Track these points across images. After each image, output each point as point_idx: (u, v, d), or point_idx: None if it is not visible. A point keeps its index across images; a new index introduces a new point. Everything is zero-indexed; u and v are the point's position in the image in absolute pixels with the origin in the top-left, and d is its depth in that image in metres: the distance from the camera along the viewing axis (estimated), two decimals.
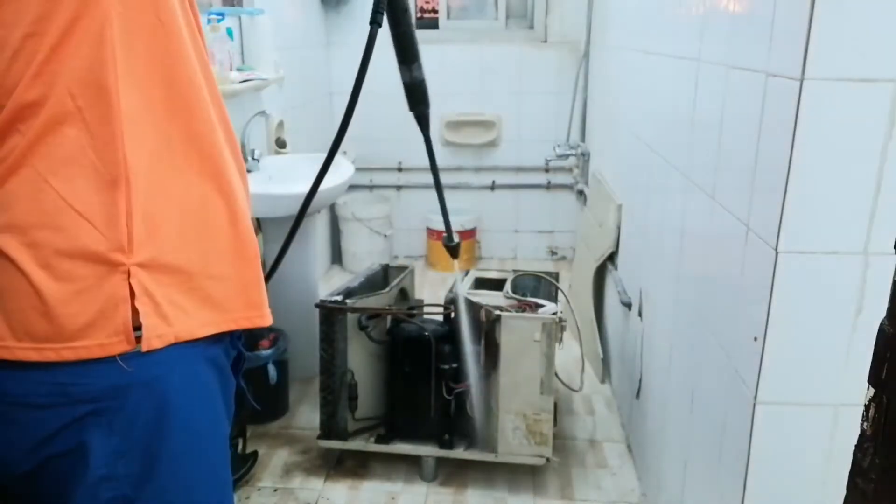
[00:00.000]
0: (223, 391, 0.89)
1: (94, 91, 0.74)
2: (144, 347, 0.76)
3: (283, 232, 1.28)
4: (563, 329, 1.98)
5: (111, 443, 0.78)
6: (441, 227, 3.82)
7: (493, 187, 3.99)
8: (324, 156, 1.37)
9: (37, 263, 0.74)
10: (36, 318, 0.75)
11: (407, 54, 1.08)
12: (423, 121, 1.13)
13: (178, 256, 0.80)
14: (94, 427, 0.77)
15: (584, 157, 3.51)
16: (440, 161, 3.95)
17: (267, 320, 0.89)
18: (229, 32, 2.40)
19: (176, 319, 0.79)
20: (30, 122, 0.72)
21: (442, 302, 2.24)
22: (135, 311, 0.76)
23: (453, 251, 1.24)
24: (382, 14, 1.05)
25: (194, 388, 0.83)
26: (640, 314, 2.10)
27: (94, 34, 0.73)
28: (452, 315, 2.11)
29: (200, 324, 0.82)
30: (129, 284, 0.75)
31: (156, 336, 0.78)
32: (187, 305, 0.80)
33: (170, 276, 0.79)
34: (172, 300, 0.79)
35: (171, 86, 0.80)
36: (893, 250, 0.56)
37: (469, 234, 3.91)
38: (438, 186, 1.14)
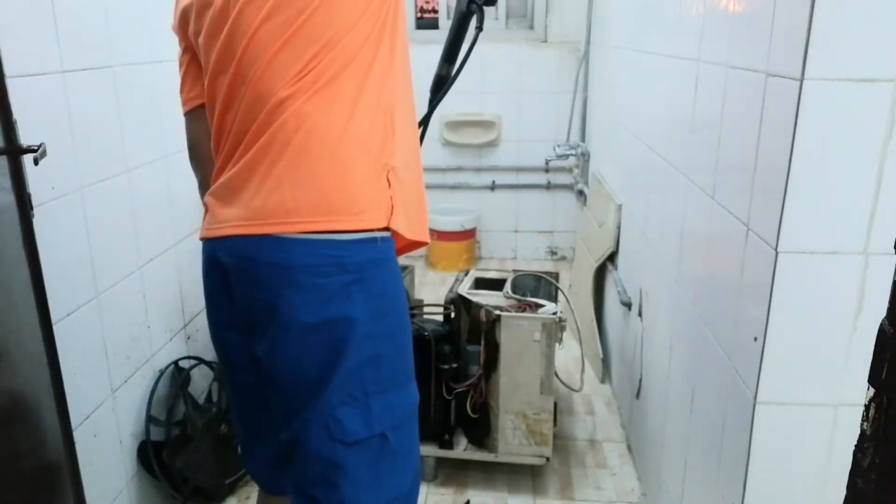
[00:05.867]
0: None
1: (386, 51, 1.07)
2: (392, 225, 1.06)
3: None
4: (563, 329, 1.98)
5: (371, 306, 1.04)
6: (440, 227, 3.82)
7: (493, 187, 3.99)
8: None
9: (349, 164, 1.04)
10: (341, 196, 1.03)
11: (454, 55, 1.64)
12: (434, 105, 1.59)
13: (402, 171, 1.10)
14: (359, 293, 1.02)
15: (584, 157, 3.51)
16: (439, 161, 3.97)
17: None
18: None
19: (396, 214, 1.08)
20: (358, 65, 1.04)
21: (442, 302, 2.23)
22: None
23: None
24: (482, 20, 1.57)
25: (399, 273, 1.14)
26: (640, 314, 2.10)
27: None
28: (452, 315, 2.11)
29: (407, 227, 1.10)
30: (388, 179, 1.06)
31: (395, 219, 1.07)
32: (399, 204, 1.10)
33: (398, 182, 1.09)
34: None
35: (406, 54, 1.14)
36: (893, 250, 0.56)
37: (469, 234, 3.91)
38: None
